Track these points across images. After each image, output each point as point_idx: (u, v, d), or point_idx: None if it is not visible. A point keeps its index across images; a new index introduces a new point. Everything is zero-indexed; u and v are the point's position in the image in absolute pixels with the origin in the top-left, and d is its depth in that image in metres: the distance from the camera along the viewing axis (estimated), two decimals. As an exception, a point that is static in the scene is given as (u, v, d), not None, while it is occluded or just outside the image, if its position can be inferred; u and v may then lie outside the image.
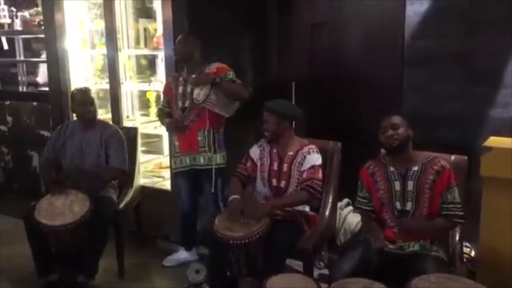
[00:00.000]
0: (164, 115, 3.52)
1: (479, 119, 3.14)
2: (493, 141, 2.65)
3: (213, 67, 3.35)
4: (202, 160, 3.38)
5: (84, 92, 3.40)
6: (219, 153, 3.40)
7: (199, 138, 3.35)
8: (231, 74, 3.33)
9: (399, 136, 2.53)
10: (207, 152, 3.36)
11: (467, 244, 2.95)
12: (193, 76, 3.34)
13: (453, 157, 2.72)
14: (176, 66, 3.68)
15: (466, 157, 2.74)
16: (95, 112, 3.42)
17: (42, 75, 5.23)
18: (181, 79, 3.44)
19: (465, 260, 2.81)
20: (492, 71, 3.11)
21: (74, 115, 3.61)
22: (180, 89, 3.41)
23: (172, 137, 3.58)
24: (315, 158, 2.91)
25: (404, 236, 2.50)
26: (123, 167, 3.40)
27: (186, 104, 3.37)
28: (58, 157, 3.45)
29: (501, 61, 3.08)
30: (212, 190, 3.37)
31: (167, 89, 3.52)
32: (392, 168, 2.60)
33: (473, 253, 2.96)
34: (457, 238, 2.67)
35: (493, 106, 3.11)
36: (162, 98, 3.63)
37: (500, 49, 3.07)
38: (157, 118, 4.19)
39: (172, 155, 3.58)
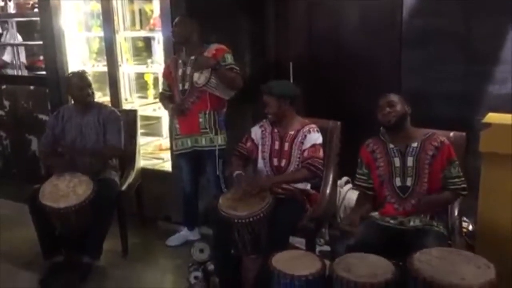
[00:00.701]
0: (166, 99, 3.53)
1: (477, 96, 3.19)
2: (492, 117, 2.69)
3: (212, 49, 3.36)
4: (204, 142, 3.41)
5: (81, 76, 3.39)
6: (220, 135, 3.42)
7: (200, 119, 3.37)
8: (229, 58, 3.34)
9: (396, 113, 2.58)
10: (209, 134, 3.39)
11: (465, 218, 3.01)
12: (192, 58, 3.35)
13: (451, 133, 2.76)
14: (174, 48, 3.67)
15: (464, 134, 2.79)
16: (92, 95, 3.41)
17: (8, 55, 5.26)
18: (180, 61, 3.44)
19: (463, 234, 2.88)
20: (489, 49, 3.14)
21: (71, 99, 3.60)
22: (180, 71, 3.42)
23: (172, 119, 3.59)
24: (316, 137, 2.94)
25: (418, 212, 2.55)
26: (118, 145, 3.41)
27: (186, 86, 3.38)
28: (57, 142, 3.45)
29: (499, 39, 3.11)
30: (217, 172, 3.40)
31: (167, 72, 3.52)
32: (391, 145, 2.65)
33: (470, 227, 3.03)
34: (456, 213, 2.72)
35: (491, 83, 3.16)
36: (162, 82, 3.63)
37: (498, 27, 3.11)
38: (155, 100, 4.24)
39: (173, 137, 3.60)
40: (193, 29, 3.38)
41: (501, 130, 2.56)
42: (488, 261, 2.10)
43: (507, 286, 2.13)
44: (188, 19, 3.40)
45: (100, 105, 3.53)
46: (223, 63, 3.29)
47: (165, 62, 3.67)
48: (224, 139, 3.45)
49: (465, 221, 3.02)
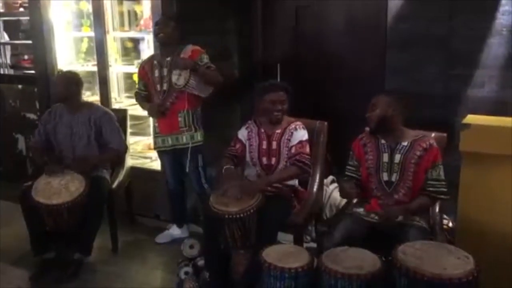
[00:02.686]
0: (142, 99, 3.59)
1: (457, 98, 3.32)
2: (471, 118, 2.80)
3: (188, 50, 3.41)
4: (184, 139, 3.48)
5: (60, 78, 3.46)
6: (199, 131, 3.51)
7: (180, 119, 3.44)
8: (205, 58, 3.40)
9: (374, 118, 2.67)
10: (188, 132, 3.46)
11: (445, 216, 3.14)
12: (168, 59, 3.41)
13: (433, 134, 2.86)
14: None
15: (445, 134, 2.91)
16: (73, 97, 3.41)
17: None
18: (155, 62, 3.48)
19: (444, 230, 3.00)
20: (469, 53, 3.27)
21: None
22: (156, 72, 3.47)
23: (152, 118, 3.65)
24: (302, 134, 3.03)
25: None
26: (121, 147, 3.49)
27: (164, 87, 3.43)
28: (48, 139, 3.49)
29: (478, 44, 3.24)
30: (198, 167, 3.50)
31: (143, 72, 3.56)
32: (383, 141, 2.75)
33: (450, 224, 3.15)
34: (437, 210, 2.84)
35: (470, 86, 3.29)
36: (138, 81, 3.65)
37: (478, 32, 3.23)
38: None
39: (154, 135, 3.64)
40: (175, 31, 3.44)
41: (480, 131, 2.66)
42: (467, 253, 2.22)
43: (484, 278, 2.24)
44: (169, 21, 3.46)
45: (91, 105, 3.57)
46: (200, 63, 3.35)
47: (140, 62, 3.72)
48: (201, 136, 3.53)
49: (445, 219, 3.14)
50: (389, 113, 2.66)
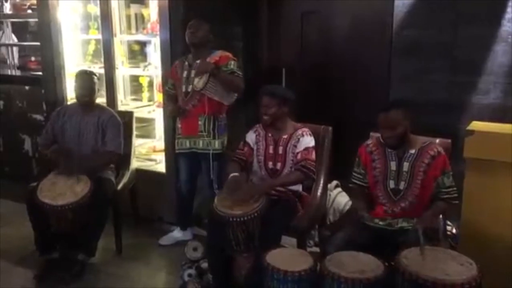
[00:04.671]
0: (169, 97, 3.63)
1: (462, 105, 3.32)
2: (476, 125, 2.82)
3: (216, 55, 3.44)
4: (201, 144, 3.49)
5: (85, 77, 3.47)
6: (218, 139, 3.50)
7: (199, 122, 3.46)
8: (232, 64, 3.42)
9: (393, 135, 2.61)
10: (206, 137, 3.47)
11: (448, 222, 3.14)
12: (198, 61, 3.42)
13: (437, 140, 2.86)
14: (171, 52, 3.77)
15: (449, 141, 2.91)
16: (92, 97, 3.48)
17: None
18: (186, 63, 3.51)
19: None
20: (474, 60, 3.27)
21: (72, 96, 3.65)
22: (185, 73, 3.49)
23: (175, 120, 3.65)
24: (308, 140, 3.05)
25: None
26: (118, 151, 3.49)
27: (189, 89, 3.46)
28: (55, 138, 3.52)
29: (483, 51, 3.25)
30: (211, 176, 3.48)
31: (173, 72, 3.59)
32: (390, 149, 2.74)
33: (454, 230, 3.15)
34: (441, 216, 2.85)
35: (475, 93, 3.29)
36: (168, 80, 3.67)
37: (482, 39, 3.24)
38: (149, 103, 4.34)
39: (176, 137, 3.65)
40: (208, 33, 3.45)
41: (484, 138, 2.68)
42: (470, 259, 2.23)
43: (487, 285, 2.24)
44: (204, 22, 3.46)
45: (103, 108, 3.61)
46: (225, 69, 3.36)
47: (169, 63, 3.73)
48: (221, 144, 3.52)
49: (448, 225, 3.15)
50: (406, 126, 2.63)
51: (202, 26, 3.44)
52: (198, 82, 3.31)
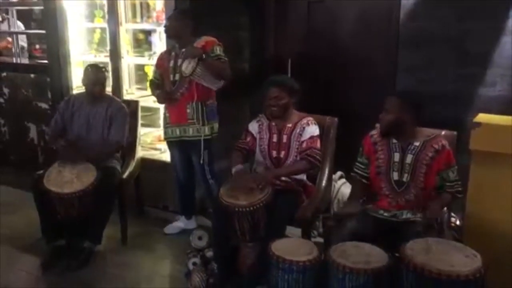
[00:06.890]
0: (155, 86, 3.62)
1: (468, 97, 3.32)
2: (482, 117, 2.81)
3: (201, 41, 3.43)
4: (191, 132, 3.50)
5: (95, 71, 3.49)
6: (207, 125, 3.51)
7: (188, 110, 3.46)
8: (218, 49, 3.41)
9: (385, 122, 2.66)
10: (195, 124, 3.47)
11: (452, 214, 3.15)
12: (183, 50, 3.42)
13: (443, 132, 2.85)
14: (167, 42, 3.76)
15: (455, 133, 2.90)
16: (102, 90, 3.52)
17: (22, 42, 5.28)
18: (173, 53, 3.52)
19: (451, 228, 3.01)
20: (481, 53, 3.27)
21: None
22: (171, 62, 3.50)
23: (162, 106, 3.68)
24: (313, 129, 3.06)
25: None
26: (121, 141, 3.51)
27: (177, 78, 3.47)
28: (65, 127, 3.54)
29: (490, 43, 3.24)
30: (200, 161, 3.50)
31: (160, 62, 3.61)
32: (394, 140, 2.74)
33: (458, 223, 3.16)
34: (445, 208, 2.86)
35: (481, 85, 3.29)
36: (154, 70, 3.69)
37: (489, 32, 3.24)
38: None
39: (164, 125, 3.67)
40: (185, 25, 3.44)
41: (490, 130, 2.67)
42: (475, 251, 2.24)
43: (492, 276, 2.26)
44: (180, 15, 3.47)
45: (112, 99, 3.63)
46: (212, 54, 3.36)
47: (151, 54, 3.75)
48: (211, 130, 3.53)
49: (453, 217, 3.16)
50: (401, 117, 2.64)
51: (178, 19, 3.44)
52: (187, 68, 3.30)
